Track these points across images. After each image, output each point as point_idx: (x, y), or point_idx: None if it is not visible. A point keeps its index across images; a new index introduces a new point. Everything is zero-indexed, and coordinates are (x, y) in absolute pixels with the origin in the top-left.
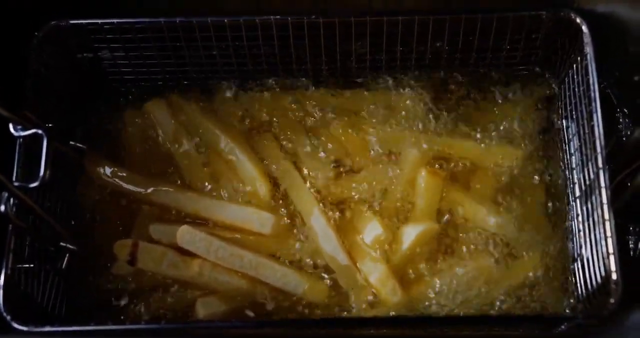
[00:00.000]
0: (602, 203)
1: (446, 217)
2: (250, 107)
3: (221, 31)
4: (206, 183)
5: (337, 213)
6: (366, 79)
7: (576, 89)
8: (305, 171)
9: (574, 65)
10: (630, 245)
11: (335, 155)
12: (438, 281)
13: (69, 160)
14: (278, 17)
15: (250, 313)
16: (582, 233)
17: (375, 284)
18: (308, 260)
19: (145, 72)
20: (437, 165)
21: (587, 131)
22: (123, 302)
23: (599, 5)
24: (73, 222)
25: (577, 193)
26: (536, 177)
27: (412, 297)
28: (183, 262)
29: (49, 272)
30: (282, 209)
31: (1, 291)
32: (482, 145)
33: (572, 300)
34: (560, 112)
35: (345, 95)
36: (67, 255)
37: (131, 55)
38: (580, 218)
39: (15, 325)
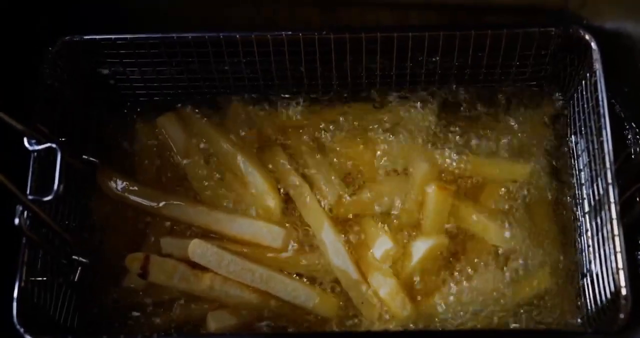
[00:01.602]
0: (611, 219)
1: (455, 231)
2: (261, 121)
3: (233, 47)
4: (217, 197)
5: (347, 227)
6: (376, 94)
7: (585, 105)
8: (315, 185)
9: (583, 82)
10: None
11: (345, 169)
12: (447, 295)
13: (82, 174)
14: (289, 32)
15: (261, 327)
16: (591, 248)
17: (385, 298)
18: (318, 274)
19: (157, 87)
20: (446, 180)
21: (596, 147)
22: (135, 315)
23: (608, 22)
24: (85, 236)
25: (587, 209)
26: (545, 193)
27: (422, 311)
28: (194, 276)
29: (62, 284)
30: (292, 223)
31: (15, 304)
32: (491, 160)
33: (581, 315)
34: (569, 128)
35: (356, 110)
36: (80, 268)
37: (143, 70)
38: (589, 233)
39: None
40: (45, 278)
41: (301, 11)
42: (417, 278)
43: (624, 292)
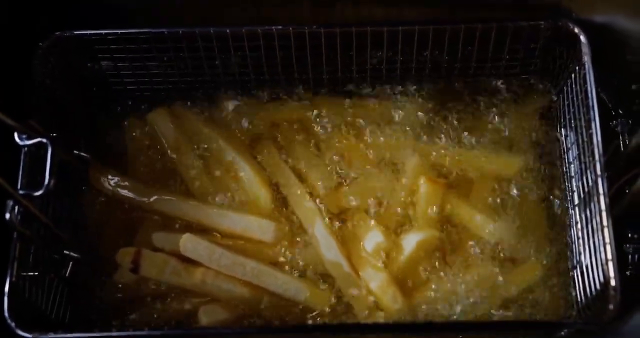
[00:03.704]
0: (600, 211)
1: (446, 224)
2: (252, 116)
3: (223, 41)
4: (208, 192)
5: (338, 221)
6: (367, 88)
7: (574, 98)
8: (307, 180)
9: (572, 75)
10: (629, 252)
11: (336, 163)
12: (439, 288)
13: (73, 169)
14: (280, 27)
15: (253, 321)
16: (581, 240)
17: (376, 291)
18: (309, 267)
19: (148, 82)
20: (437, 174)
21: (585, 139)
22: (126, 309)
23: (597, 16)
24: (77, 230)
25: (576, 201)
26: (535, 185)
27: (413, 304)
28: (186, 270)
29: (53, 279)
30: (284, 217)
31: (6, 298)
32: (481, 154)
33: (571, 306)
34: (559, 120)
35: (346, 105)
36: (71, 263)
37: (134, 65)
38: (579, 225)
39: (20, 332)
40: (36, 273)
41: (300, 11)
42: (408, 272)
43: (613, 283)
